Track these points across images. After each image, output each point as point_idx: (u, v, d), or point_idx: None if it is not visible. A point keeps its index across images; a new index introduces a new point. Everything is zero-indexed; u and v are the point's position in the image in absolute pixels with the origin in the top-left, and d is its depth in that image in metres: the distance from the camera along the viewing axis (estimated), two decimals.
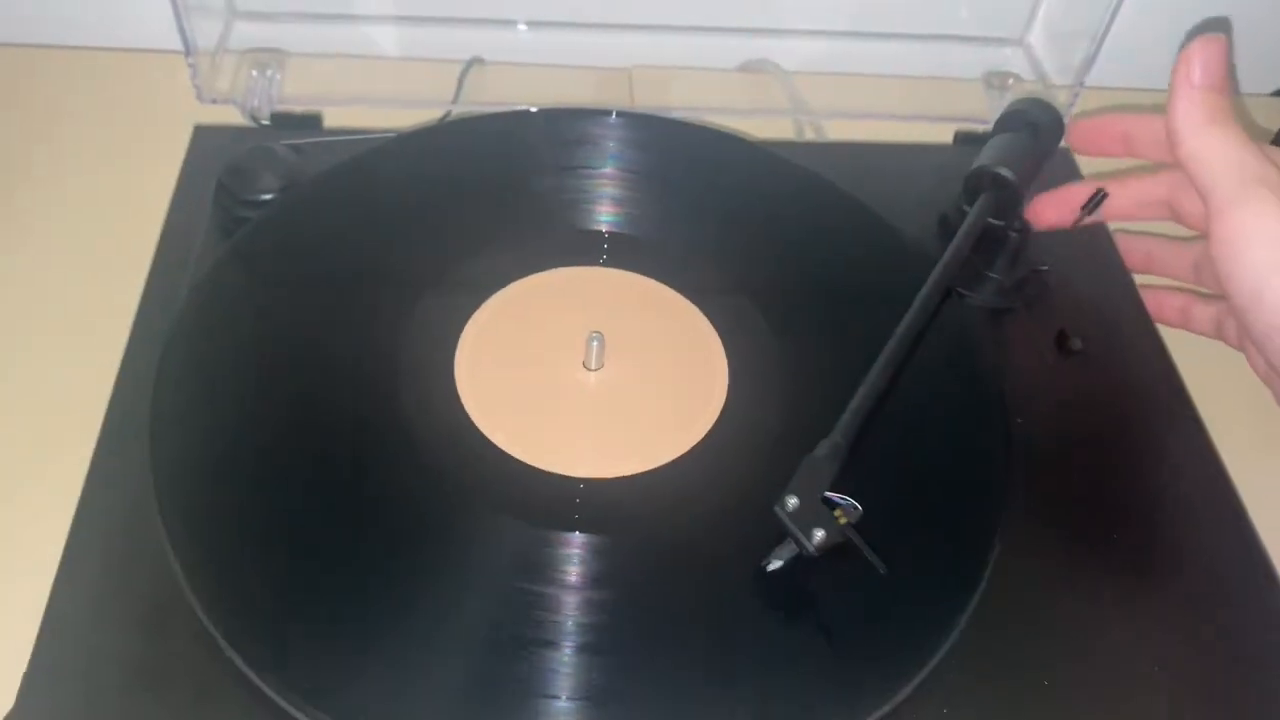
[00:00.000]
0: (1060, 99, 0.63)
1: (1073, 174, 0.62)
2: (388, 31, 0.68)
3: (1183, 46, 0.46)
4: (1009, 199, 0.53)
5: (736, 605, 0.41)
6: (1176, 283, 0.56)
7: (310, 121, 0.61)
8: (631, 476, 0.45)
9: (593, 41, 0.69)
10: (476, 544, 0.42)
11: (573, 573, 0.41)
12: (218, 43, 0.63)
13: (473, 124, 0.60)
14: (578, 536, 0.42)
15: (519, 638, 0.39)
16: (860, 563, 0.39)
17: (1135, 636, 0.43)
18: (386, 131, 0.59)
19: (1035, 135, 0.56)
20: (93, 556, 0.42)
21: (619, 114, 0.58)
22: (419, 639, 0.39)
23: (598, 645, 0.39)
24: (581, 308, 0.50)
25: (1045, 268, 0.54)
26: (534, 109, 0.60)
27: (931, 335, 0.49)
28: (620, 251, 0.53)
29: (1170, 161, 0.47)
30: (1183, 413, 0.51)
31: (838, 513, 0.40)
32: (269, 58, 0.63)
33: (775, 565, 0.40)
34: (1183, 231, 0.53)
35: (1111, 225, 0.58)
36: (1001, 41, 0.69)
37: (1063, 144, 0.60)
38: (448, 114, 0.64)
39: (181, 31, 0.58)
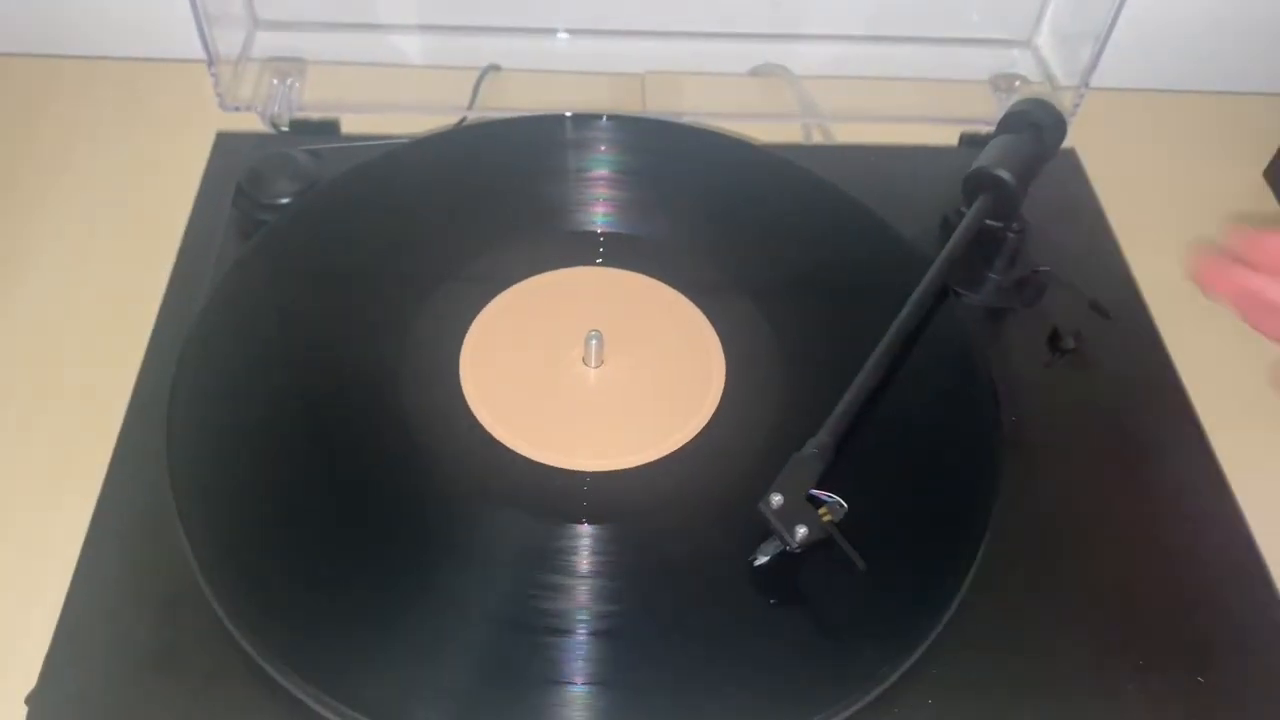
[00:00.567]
0: (1066, 100, 0.64)
1: (1077, 176, 0.63)
2: (406, 40, 0.70)
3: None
4: (1007, 200, 0.54)
5: (738, 591, 0.42)
6: None
7: (328, 128, 0.63)
8: (635, 469, 0.46)
9: (608, 48, 0.70)
10: (487, 537, 0.44)
11: (583, 562, 0.43)
12: (240, 52, 0.65)
13: (472, 132, 0.62)
14: (586, 527, 0.44)
15: (531, 626, 0.41)
16: (861, 545, 0.41)
17: (1125, 636, 0.43)
18: (402, 137, 0.61)
19: (1037, 136, 0.57)
20: (112, 547, 0.44)
21: (609, 118, 0.60)
22: (429, 628, 0.41)
23: (609, 631, 0.41)
24: (580, 307, 0.52)
25: (1045, 268, 0.55)
26: (528, 116, 0.62)
27: (927, 334, 0.50)
28: (616, 251, 0.55)
29: None
30: (1179, 411, 0.51)
31: (823, 510, 0.41)
32: (289, 66, 0.65)
33: (761, 560, 0.41)
34: None
35: None
36: (1009, 44, 0.70)
37: (1066, 144, 0.60)
38: (463, 120, 0.65)
39: (204, 41, 0.60)
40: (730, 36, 0.71)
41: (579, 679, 0.39)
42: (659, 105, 0.69)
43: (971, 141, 0.64)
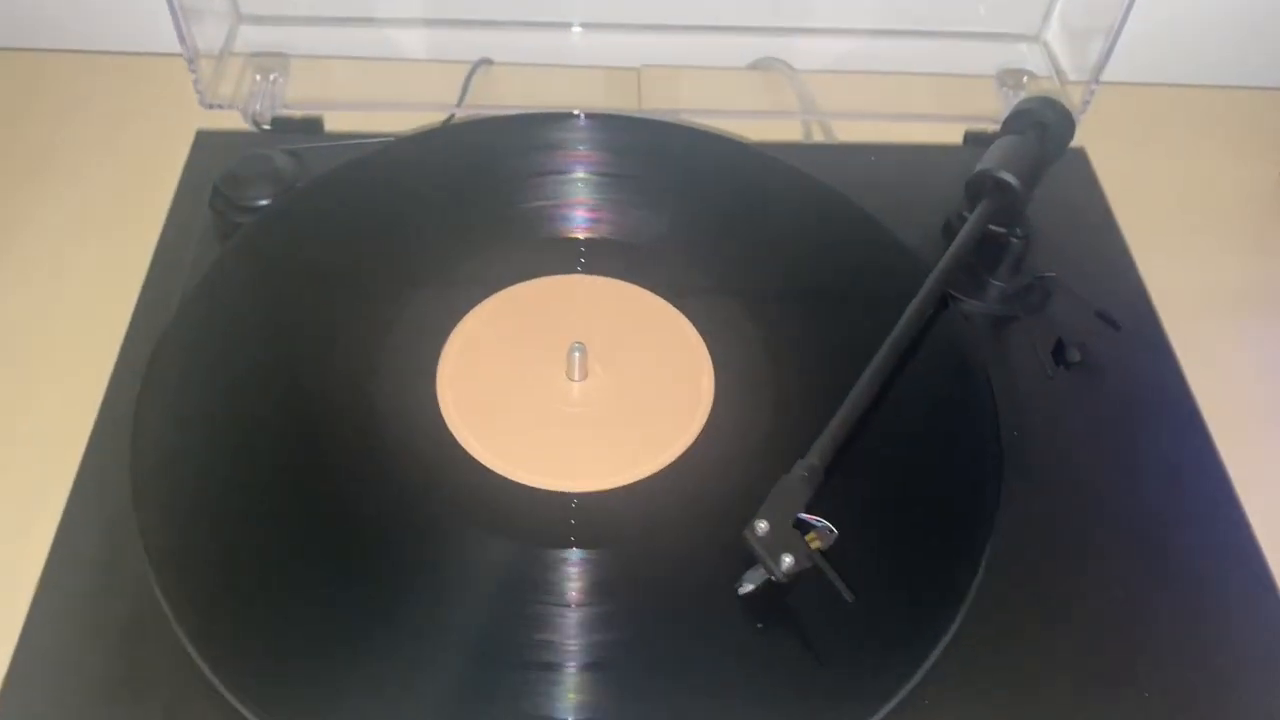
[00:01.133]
0: (1075, 96, 0.62)
1: (1085, 177, 0.61)
2: (395, 34, 0.68)
3: None
4: (1011, 204, 0.52)
5: (729, 618, 0.40)
6: None
7: (311, 126, 0.61)
8: (622, 487, 0.44)
9: (605, 41, 0.68)
10: (467, 564, 0.42)
11: (572, 589, 0.41)
12: (223, 46, 0.64)
13: (447, 134, 0.60)
14: (574, 553, 0.42)
15: (516, 658, 0.39)
16: (851, 576, 0.39)
17: (1129, 656, 0.42)
18: (386, 136, 0.59)
19: (1043, 136, 0.54)
20: (75, 566, 0.42)
21: (588, 116, 0.58)
22: (402, 658, 0.39)
23: (602, 662, 0.39)
24: (562, 317, 0.50)
25: (1050, 274, 0.53)
26: (505, 116, 0.60)
27: (925, 346, 0.48)
28: (598, 257, 0.53)
29: None
30: (1190, 426, 0.49)
31: (811, 536, 0.39)
32: (273, 62, 0.64)
33: (747, 589, 0.39)
34: None
35: None
36: (1018, 38, 0.67)
37: (1074, 143, 0.58)
38: (451, 116, 0.64)
39: (181, 37, 0.58)
40: (730, 30, 0.69)
41: (567, 714, 0.38)
42: (655, 100, 0.67)
43: (976, 140, 0.62)
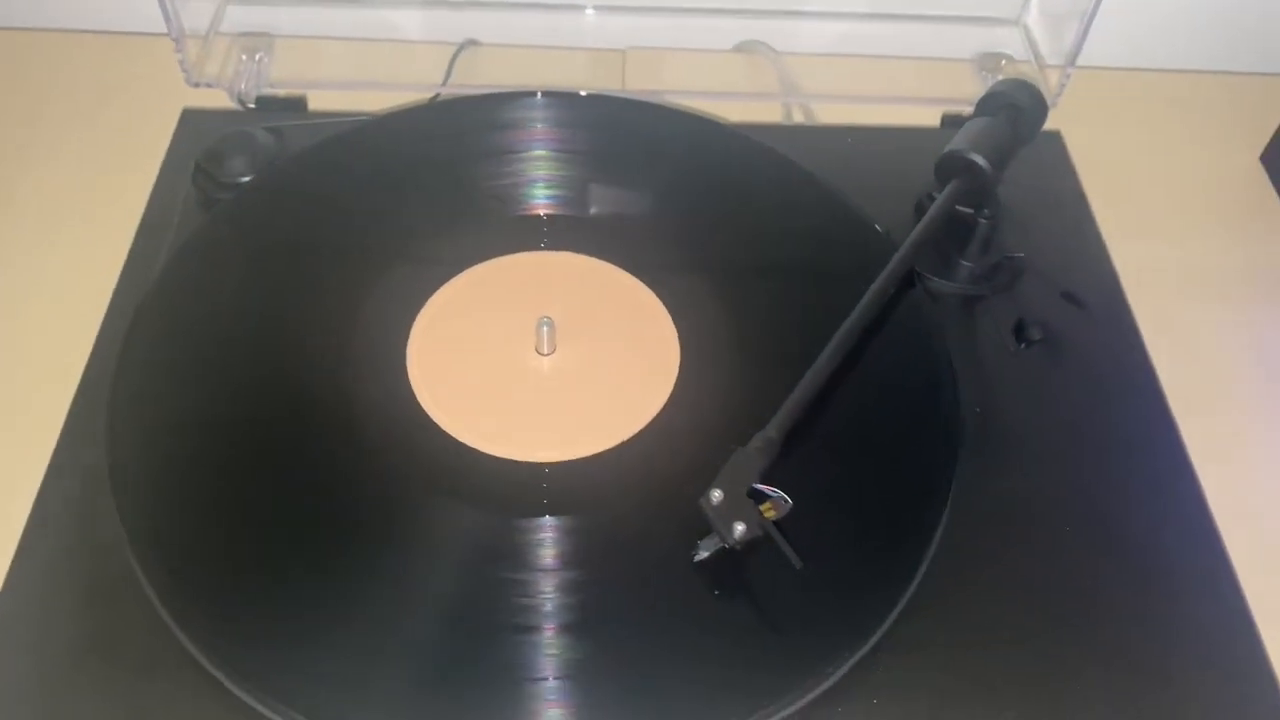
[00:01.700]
0: (1053, 80, 0.62)
1: (1060, 160, 0.61)
2: (381, 15, 0.68)
3: None
4: (981, 185, 0.52)
5: (689, 583, 0.41)
6: None
7: (295, 105, 0.62)
8: (594, 456, 0.45)
9: (590, 23, 0.69)
10: (441, 533, 0.43)
11: (547, 556, 0.42)
12: (209, 26, 0.64)
13: (418, 114, 0.61)
14: (548, 520, 0.43)
15: (493, 623, 0.40)
16: (809, 545, 0.40)
17: (1082, 628, 0.42)
18: (368, 115, 0.59)
19: (1015, 118, 0.55)
20: (50, 533, 0.43)
21: (545, 94, 0.58)
22: (374, 624, 0.40)
23: (576, 626, 0.40)
24: (529, 293, 0.51)
25: (1019, 255, 0.54)
26: (471, 96, 0.61)
27: (889, 322, 0.49)
28: (560, 233, 0.53)
29: None
30: (1151, 404, 0.50)
31: (766, 505, 0.40)
32: (258, 42, 0.64)
33: (702, 556, 0.40)
34: None
35: None
36: (998, 22, 0.68)
37: (1050, 127, 0.59)
38: (436, 96, 0.64)
39: (166, 17, 0.59)
40: (715, 13, 0.69)
41: (544, 673, 0.39)
42: (640, 82, 0.68)
43: (953, 122, 0.62)
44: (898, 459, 0.45)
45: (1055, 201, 0.59)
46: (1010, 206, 0.55)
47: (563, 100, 0.59)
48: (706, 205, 0.55)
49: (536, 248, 0.53)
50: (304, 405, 0.46)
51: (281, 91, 0.62)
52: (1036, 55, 0.65)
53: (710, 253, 0.53)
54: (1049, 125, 0.58)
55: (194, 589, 0.40)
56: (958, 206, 0.52)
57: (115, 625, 0.41)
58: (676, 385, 0.47)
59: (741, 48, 0.71)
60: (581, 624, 0.40)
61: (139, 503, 0.42)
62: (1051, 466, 0.47)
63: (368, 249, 0.52)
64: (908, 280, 0.50)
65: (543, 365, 0.48)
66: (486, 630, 0.40)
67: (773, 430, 0.42)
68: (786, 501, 0.40)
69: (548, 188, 0.55)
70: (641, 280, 0.52)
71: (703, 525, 0.41)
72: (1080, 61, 0.62)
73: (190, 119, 0.60)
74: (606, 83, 0.68)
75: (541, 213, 0.55)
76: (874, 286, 0.47)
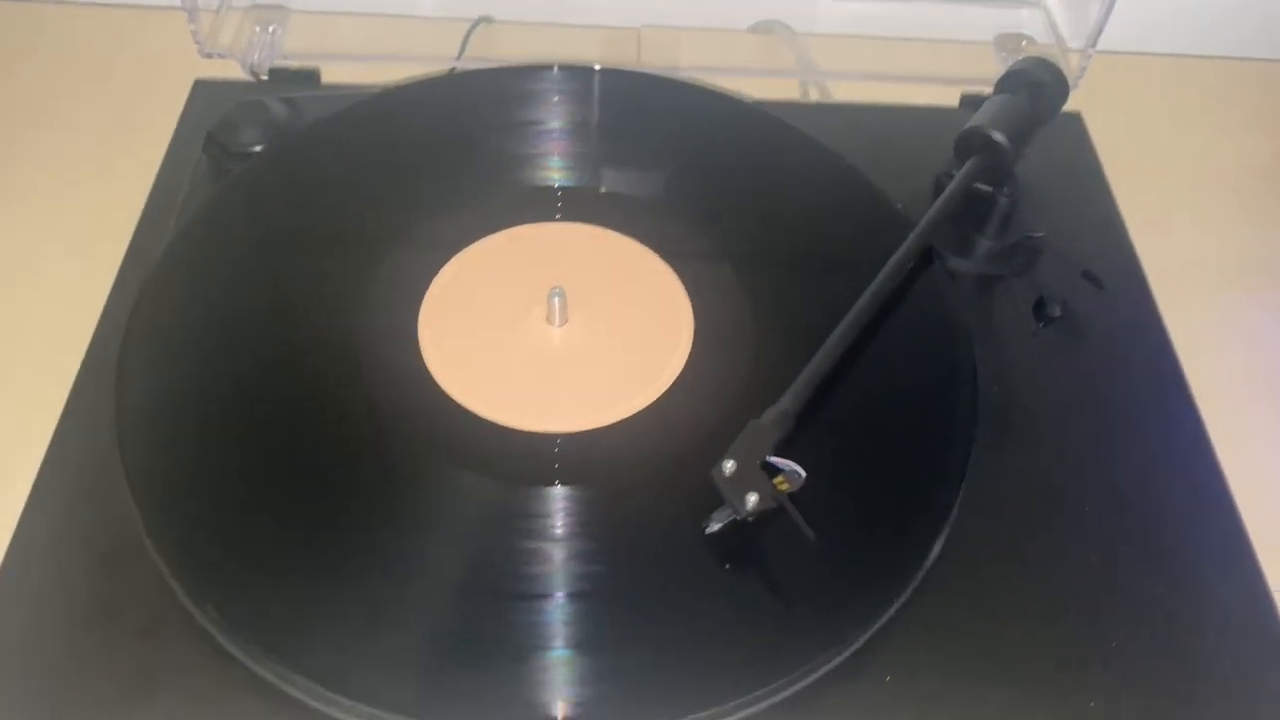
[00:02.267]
0: (1074, 62, 0.61)
1: (1081, 142, 0.60)
2: None
3: None
4: (1000, 162, 0.52)
5: (700, 557, 0.41)
6: None
7: (308, 77, 0.61)
8: (605, 428, 0.44)
9: (606, 3, 0.68)
10: (451, 501, 0.42)
11: (557, 526, 0.41)
12: (222, 0, 0.64)
13: (434, 85, 0.60)
14: (558, 490, 0.42)
15: (501, 593, 0.39)
16: (822, 521, 0.39)
17: (1099, 617, 0.41)
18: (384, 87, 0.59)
19: (1036, 96, 0.54)
20: (57, 498, 0.43)
21: (560, 69, 0.58)
22: (384, 591, 0.39)
23: (584, 596, 0.39)
24: (541, 264, 0.50)
25: (1039, 234, 0.53)
26: (487, 69, 0.60)
27: (907, 298, 0.48)
28: (575, 206, 0.53)
29: None
30: (1172, 388, 0.49)
31: (779, 479, 0.39)
32: (272, 14, 0.64)
33: (714, 528, 0.39)
34: None
35: None
36: (1018, 3, 0.67)
37: (1072, 109, 0.58)
38: (452, 71, 0.64)
39: None
40: None
41: (552, 644, 0.38)
42: (654, 60, 0.67)
43: (972, 103, 0.61)
44: (914, 435, 0.45)
45: (1076, 183, 0.58)
46: (1030, 187, 0.54)
47: (579, 74, 0.58)
48: (722, 180, 0.55)
49: (550, 219, 0.52)
50: (314, 375, 0.46)
51: (295, 64, 0.62)
52: (1057, 37, 0.65)
53: (728, 227, 0.52)
54: (1070, 107, 0.57)
55: (202, 558, 0.40)
56: (977, 184, 0.51)
57: (122, 593, 0.40)
58: (690, 359, 0.47)
59: (758, 28, 0.70)
60: (590, 595, 0.39)
61: (147, 471, 0.42)
62: (1070, 446, 0.46)
63: (379, 219, 0.52)
64: (926, 257, 0.49)
65: (554, 336, 0.48)
66: (494, 599, 0.39)
67: (788, 402, 0.41)
68: (799, 474, 0.39)
69: (562, 160, 0.55)
70: (656, 253, 0.51)
71: (714, 499, 0.40)
72: (1102, 45, 0.61)
73: (202, 90, 0.60)
74: (622, 61, 0.67)
75: (556, 185, 0.54)
76: (892, 260, 0.47)
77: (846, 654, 0.39)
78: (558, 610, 0.39)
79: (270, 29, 0.63)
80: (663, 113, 0.58)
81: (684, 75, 0.62)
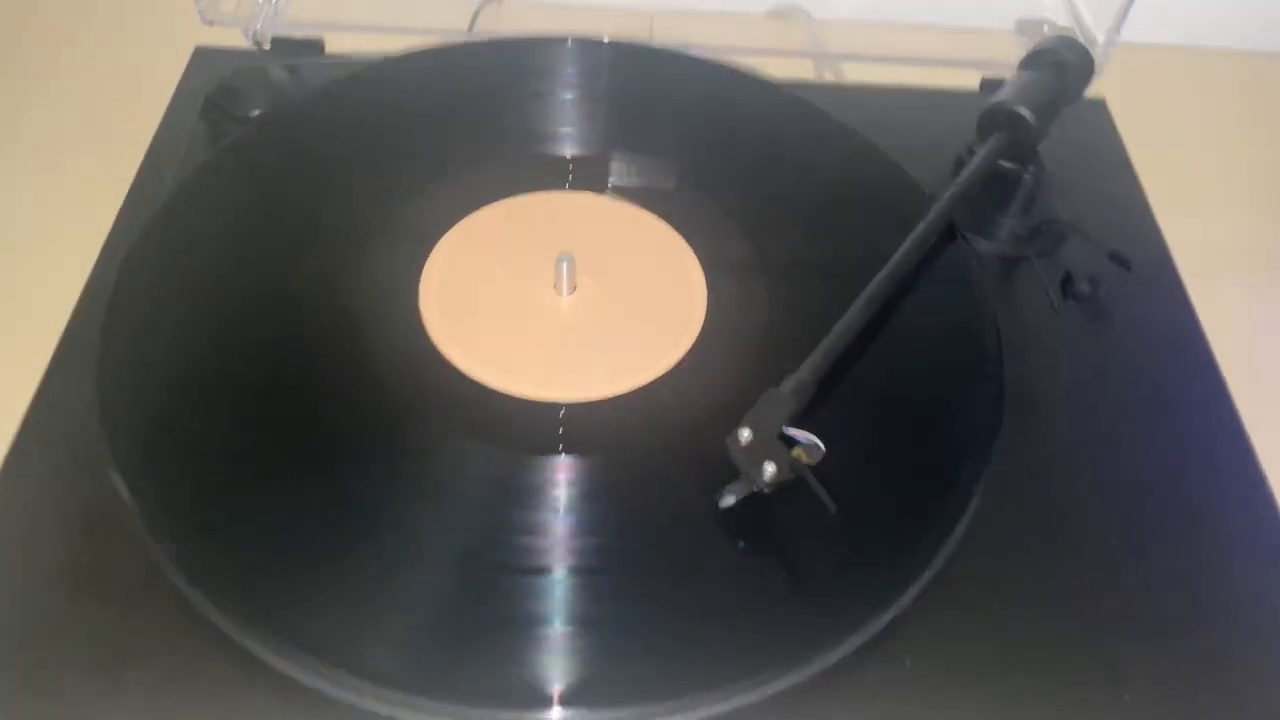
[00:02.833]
0: (1095, 55, 0.60)
1: (1106, 128, 0.59)
2: None
3: None
4: (1025, 138, 0.50)
5: (715, 534, 0.39)
6: None
7: (311, 47, 0.60)
8: (612, 399, 0.43)
9: None
10: (450, 473, 0.41)
11: (560, 497, 0.40)
12: None
13: (440, 54, 0.58)
14: (562, 459, 0.40)
15: (503, 565, 0.38)
16: (846, 499, 0.37)
17: (1126, 602, 0.40)
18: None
19: (1060, 75, 0.53)
20: (37, 462, 0.41)
21: (574, 41, 0.57)
22: (377, 561, 0.37)
23: (591, 570, 0.38)
24: (549, 232, 0.48)
25: (1064, 218, 0.51)
26: (497, 40, 0.60)
27: (929, 274, 0.46)
28: (586, 176, 0.51)
29: None
30: (1202, 370, 0.47)
31: (798, 451, 0.37)
32: None
33: (728, 501, 0.37)
34: None
35: None
36: None
37: (1096, 95, 0.56)
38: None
39: None
40: None
41: (556, 616, 0.36)
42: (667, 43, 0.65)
43: (992, 87, 0.60)
44: (938, 413, 0.43)
45: (1100, 168, 0.56)
46: (1054, 170, 0.52)
47: (589, 48, 0.57)
48: (736, 154, 0.53)
49: (560, 187, 0.51)
50: (312, 340, 0.44)
51: (298, 33, 0.60)
52: (1079, 22, 0.63)
53: (741, 199, 0.51)
54: (1094, 93, 0.56)
55: (189, 526, 0.38)
56: (1001, 161, 0.50)
57: (101, 556, 0.38)
58: (702, 332, 0.45)
59: (775, 12, 0.69)
60: (597, 569, 0.38)
61: (130, 434, 0.40)
62: (1098, 428, 0.44)
63: (381, 184, 0.50)
64: (949, 233, 0.47)
65: (561, 304, 0.46)
66: (496, 570, 0.37)
67: (805, 373, 0.39)
68: (819, 447, 0.37)
69: (575, 130, 0.53)
70: (669, 223, 0.49)
71: (726, 474, 0.38)
72: (1127, 37, 0.59)
73: (202, 57, 0.58)
74: None
75: (567, 154, 0.52)
76: (914, 234, 0.45)
77: (866, 636, 0.37)
78: (559, 584, 0.37)
79: None
80: (676, 87, 0.56)
81: (697, 53, 0.61)
